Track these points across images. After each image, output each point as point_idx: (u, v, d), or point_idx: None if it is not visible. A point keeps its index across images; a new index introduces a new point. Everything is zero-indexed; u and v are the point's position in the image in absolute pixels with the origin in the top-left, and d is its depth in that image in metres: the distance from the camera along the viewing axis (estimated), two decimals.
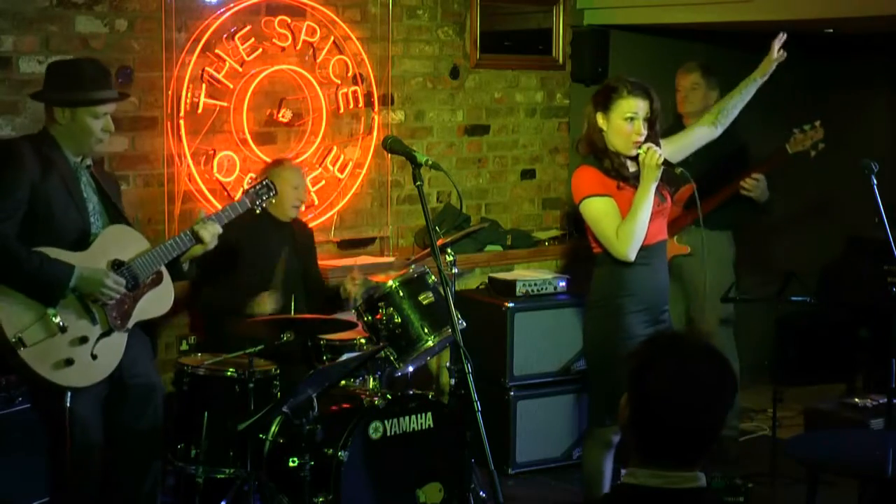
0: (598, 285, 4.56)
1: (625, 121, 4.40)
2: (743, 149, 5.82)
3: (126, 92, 4.19)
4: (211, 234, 4.32)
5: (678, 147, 4.67)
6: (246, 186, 4.63)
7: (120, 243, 4.18)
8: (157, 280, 4.25)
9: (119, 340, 4.13)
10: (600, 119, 4.45)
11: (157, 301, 4.27)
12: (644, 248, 4.42)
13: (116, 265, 4.11)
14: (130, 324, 4.16)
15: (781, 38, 4.72)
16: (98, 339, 4.05)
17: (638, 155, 4.41)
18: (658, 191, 4.43)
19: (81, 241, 4.08)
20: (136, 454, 4.30)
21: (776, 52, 4.74)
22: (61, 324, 3.96)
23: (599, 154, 4.46)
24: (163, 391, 4.40)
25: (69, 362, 3.97)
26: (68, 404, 3.98)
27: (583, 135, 4.57)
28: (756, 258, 7.23)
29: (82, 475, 4.09)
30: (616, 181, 4.43)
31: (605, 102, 4.44)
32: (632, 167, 4.48)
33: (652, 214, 4.40)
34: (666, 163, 4.39)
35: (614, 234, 4.38)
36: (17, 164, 3.99)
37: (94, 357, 4.04)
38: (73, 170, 4.13)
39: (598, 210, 4.42)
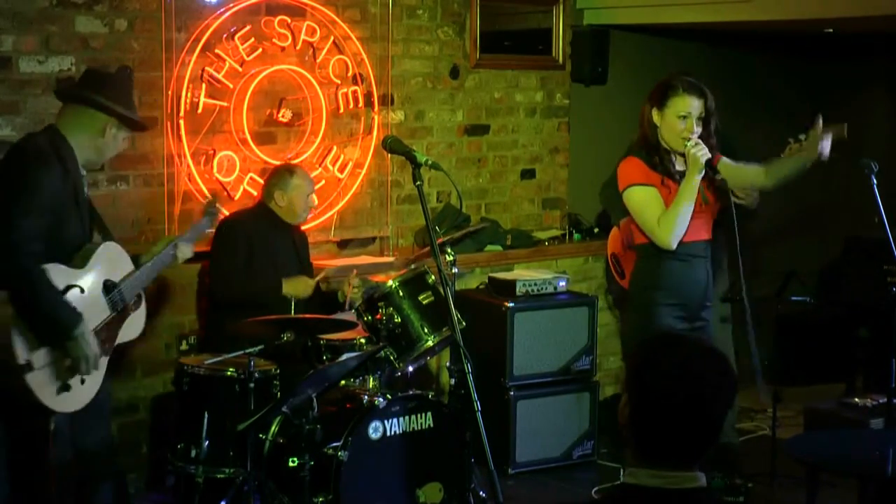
0: (635, 279, 4.73)
1: (678, 118, 4.55)
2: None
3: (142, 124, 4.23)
4: (185, 255, 4.41)
5: (728, 174, 4.65)
6: (205, 204, 4.74)
7: (113, 263, 4.10)
8: (138, 303, 4.21)
9: (103, 364, 4.03)
10: (655, 115, 4.59)
11: (135, 324, 4.21)
12: (681, 245, 4.56)
13: (108, 286, 4.04)
14: (112, 348, 4.10)
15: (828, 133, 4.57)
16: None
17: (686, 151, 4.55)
18: (702, 192, 4.56)
19: (77, 253, 3.98)
20: (89, 468, 4.18)
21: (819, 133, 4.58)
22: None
23: (651, 149, 4.60)
24: (110, 402, 4.33)
25: (66, 388, 3.88)
26: (52, 427, 3.90)
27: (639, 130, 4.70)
28: (756, 258, 7.24)
29: (65, 494, 4.03)
30: (661, 176, 4.57)
31: (661, 99, 4.58)
32: (679, 165, 4.62)
33: (693, 213, 4.54)
34: (709, 164, 4.50)
35: (656, 223, 4.54)
36: (52, 176, 3.86)
37: (82, 382, 3.95)
38: (80, 179, 4.02)
39: (642, 199, 4.57)
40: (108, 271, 4.07)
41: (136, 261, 4.23)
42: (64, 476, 4.01)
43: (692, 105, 4.54)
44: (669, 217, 4.52)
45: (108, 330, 4.05)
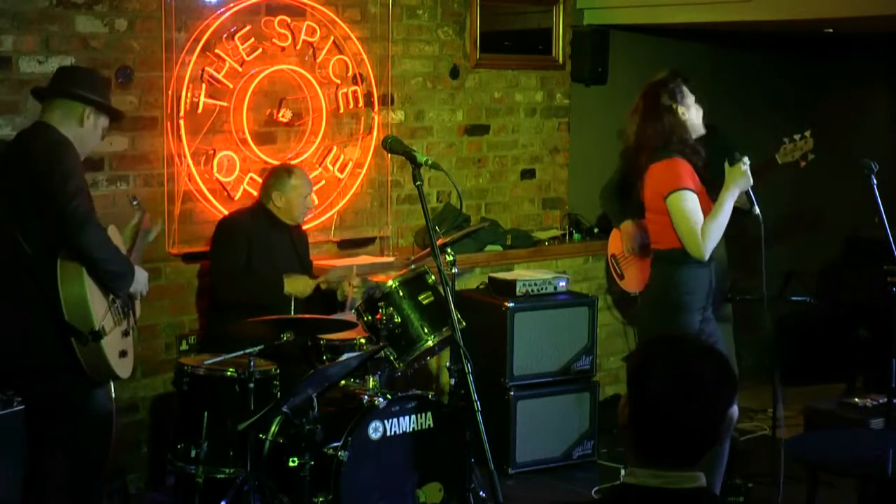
0: (663, 283, 4.73)
1: (697, 104, 4.71)
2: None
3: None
4: (155, 223, 4.78)
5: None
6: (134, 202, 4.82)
7: (118, 244, 4.32)
8: None
9: (133, 339, 4.31)
10: (681, 111, 4.68)
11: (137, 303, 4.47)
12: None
13: None
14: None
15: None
16: (130, 333, 4.25)
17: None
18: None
19: None
20: None
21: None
22: (120, 315, 4.17)
23: (688, 148, 4.64)
24: None
25: (124, 354, 4.17)
26: (113, 394, 4.23)
27: (660, 131, 4.72)
28: (756, 258, 7.24)
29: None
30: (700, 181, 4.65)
31: (677, 96, 4.68)
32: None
33: None
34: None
35: (699, 232, 4.54)
36: (77, 157, 4.14)
37: (125, 353, 4.23)
38: None
39: (691, 205, 4.57)
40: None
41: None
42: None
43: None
44: (711, 227, 4.55)
45: (132, 304, 4.34)
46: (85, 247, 3.99)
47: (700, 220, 4.56)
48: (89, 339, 3.99)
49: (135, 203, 4.75)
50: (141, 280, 4.32)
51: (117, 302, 4.19)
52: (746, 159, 4.59)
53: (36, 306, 4.03)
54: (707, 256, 4.57)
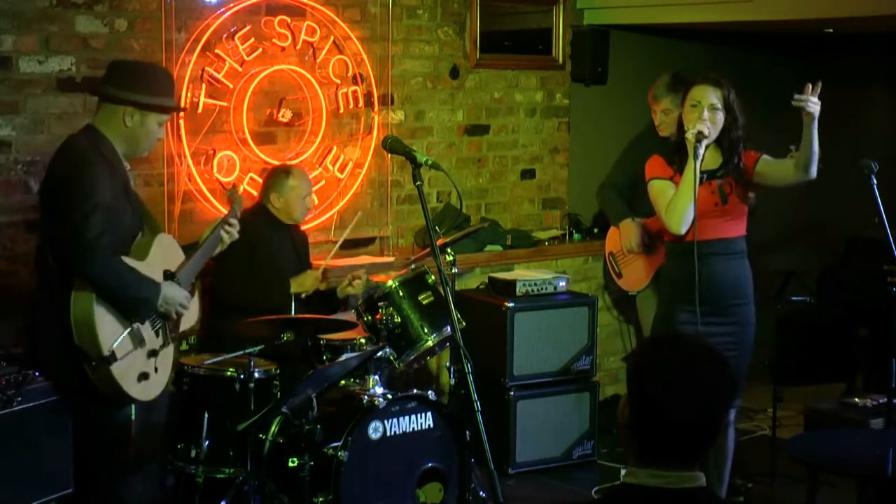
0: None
1: (691, 107, 4.67)
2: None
3: (184, 106, 4.42)
4: (232, 236, 4.43)
5: (770, 170, 4.81)
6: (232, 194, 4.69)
7: (168, 253, 4.18)
8: (192, 291, 4.26)
9: (170, 353, 4.15)
10: (681, 115, 4.75)
11: (192, 312, 4.27)
12: (683, 244, 4.62)
13: (168, 276, 4.11)
14: (177, 336, 4.22)
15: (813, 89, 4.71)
16: (159, 352, 4.07)
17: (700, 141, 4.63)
18: (721, 190, 4.66)
19: (135, 245, 4.06)
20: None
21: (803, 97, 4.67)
22: (143, 337, 3.99)
23: (675, 148, 4.74)
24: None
25: (145, 376, 3.99)
26: (133, 417, 4.05)
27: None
28: (756, 258, 7.23)
29: (141, 479, 4.16)
30: (675, 172, 4.71)
31: (684, 96, 4.75)
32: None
33: (710, 211, 4.62)
34: (700, 134, 4.54)
35: (665, 209, 4.68)
36: (102, 171, 3.92)
37: (155, 370, 4.06)
38: (126, 173, 4.08)
39: (656, 189, 4.76)
40: (166, 261, 4.15)
41: (188, 250, 4.32)
42: (137, 465, 4.14)
43: (702, 93, 4.63)
44: (672, 202, 4.63)
45: (174, 320, 4.16)
46: (91, 275, 3.83)
47: (666, 198, 4.68)
48: (98, 364, 3.84)
49: (229, 194, 4.56)
50: (175, 298, 4.06)
51: (136, 324, 3.99)
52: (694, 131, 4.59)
53: (55, 323, 3.90)
54: (678, 230, 4.60)
